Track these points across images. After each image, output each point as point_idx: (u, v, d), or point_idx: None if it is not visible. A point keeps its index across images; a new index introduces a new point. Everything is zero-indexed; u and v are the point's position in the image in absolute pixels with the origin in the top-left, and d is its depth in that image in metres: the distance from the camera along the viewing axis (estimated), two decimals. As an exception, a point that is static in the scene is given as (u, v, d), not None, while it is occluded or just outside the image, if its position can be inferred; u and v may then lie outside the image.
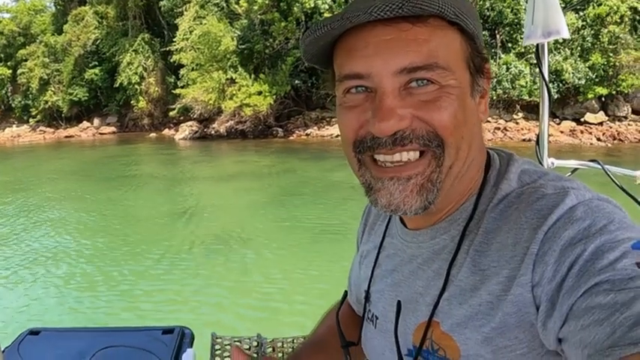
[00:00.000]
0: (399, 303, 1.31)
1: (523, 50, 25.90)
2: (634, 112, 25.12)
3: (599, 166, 2.75)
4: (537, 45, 3.01)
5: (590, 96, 24.75)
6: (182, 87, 31.66)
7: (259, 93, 28.93)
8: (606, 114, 25.13)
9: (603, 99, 25.29)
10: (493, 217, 1.17)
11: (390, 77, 1.07)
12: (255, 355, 3.27)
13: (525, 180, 1.20)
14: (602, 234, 1.00)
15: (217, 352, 3.40)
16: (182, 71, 32.16)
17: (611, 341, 0.87)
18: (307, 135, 29.39)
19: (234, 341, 3.47)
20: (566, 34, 3.10)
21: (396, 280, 1.38)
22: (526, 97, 26.08)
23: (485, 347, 1.12)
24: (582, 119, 24.88)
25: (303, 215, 13.96)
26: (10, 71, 40.43)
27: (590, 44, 24.93)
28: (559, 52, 25.48)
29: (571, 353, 0.96)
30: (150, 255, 11.49)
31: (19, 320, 8.25)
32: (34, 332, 3.03)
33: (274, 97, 29.04)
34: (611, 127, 24.32)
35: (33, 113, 39.37)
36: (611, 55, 24.55)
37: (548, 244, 1.04)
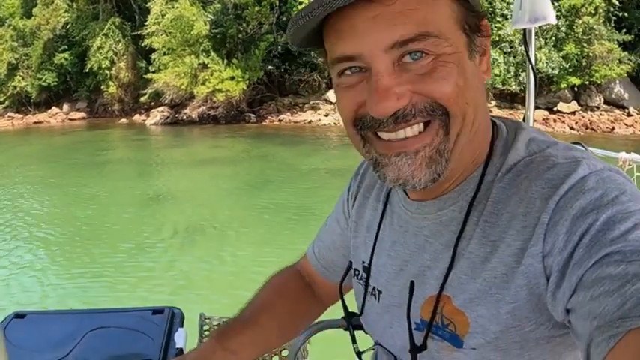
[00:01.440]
0: (412, 283, 1.28)
1: (497, 39, 25.93)
2: (606, 102, 25.36)
3: (583, 148, 2.81)
4: (525, 30, 3.10)
5: (563, 85, 24.88)
6: (153, 72, 31.27)
7: (232, 78, 28.70)
8: (579, 104, 25.32)
9: (576, 89, 25.48)
10: (502, 187, 1.15)
11: (381, 55, 1.04)
12: None
13: (534, 149, 1.17)
14: (613, 205, 0.99)
15: (206, 332, 3.39)
16: (153, 56, 31.74)
17: (621, 312, 0.86)
18: (280, 121, 29.21)
19: (223, 321, 3.41)
20: (553, 20, 3.22)
21: (400, 252, 1.36)
22: (499, 86, 26.11)
23: (496, 324, 1.11)
24: (555, 108, 25.05)
25: (279, 201, 13.83)
26: (-22, 56, 39.73)
27: (564, 34, 25.04)
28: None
29: (578, 324, 0.95)
30: (124, 241, 11.31)
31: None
32: (19, 315, 2.88)
33: (247, 82, 28.83)
34: (583, 117, 24.55)
35: (1, 99, 38.64)
36: (584, 45, 24.67)
37: (560, 214, 1.03)
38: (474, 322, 1.14)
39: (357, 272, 1.53)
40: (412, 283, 1.28)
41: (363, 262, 1.48)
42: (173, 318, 2.84)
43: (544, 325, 1.09)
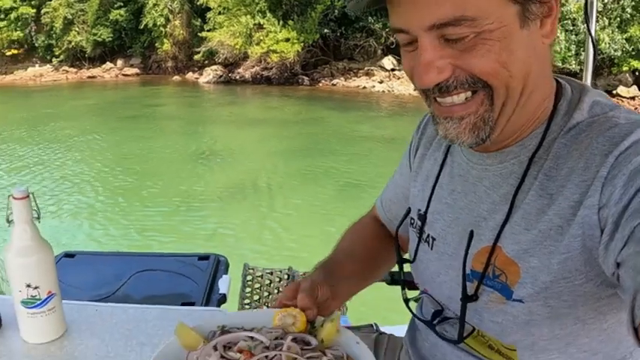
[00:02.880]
0: (471, 233, 1.30)
1: (560, 16, 25.07)
2: (667, 89, 24.18)
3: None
4: (586, 2, 2.98)
5: (624, 69, 23.73)
6: (208, 30, 31.08)
7: (287, 40, 28.26)
8: (639, 88, 24.15)
9: (637, 73, 24.25)
10: (563, 144, 1.19)
11: (424, 32, 1.11)
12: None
13: (597, 111, 1.20)
14: None
15: (248, 283, 3.48)
16: (209, 14, 31.51)
17: None
18: (333, 85, 28.78)
19: (266, 272, 3.54)
20: None
21: (458, 201, 1.40)
22: (559, 64, 25.21)
23: (546, 274, 1.15)
24: (615, 92, 23.83)
25: (329, 165, 13.74)
26: (34, 10, 39.81)
27: (629, 15, 23.81)
28: (597, 22, 24.56)
29: (627, 277, 0.95)
30: (175, 194, 11.45)
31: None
32: (69, 255, 3.06)
33: (302, 44, 28.35)
34: (643, 102, 23.51)
35: (56, 53, 38.84)
36: (650, 28, 23.51)
37: (618, 168, 1.05)
38: (525, 272, 1.18)
39: (412, 221, 1.58)
40: (471, 233, 1.31)
41: (419, 210, 1.53)
42: (218, 265, 3.03)
43: (593, 281, 1.12)
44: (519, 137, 1.26)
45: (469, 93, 1.15)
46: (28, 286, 1.61)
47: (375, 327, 2.10)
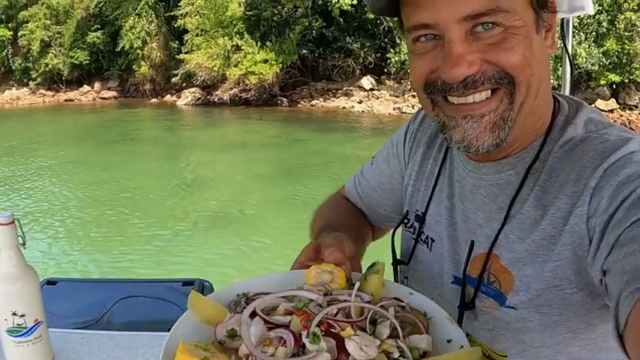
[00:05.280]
0: (472, 242, 1.34)
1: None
2: (644, 101, 24.46)
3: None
4: (562, 20, 3.17)
5: (602, 82, 24.11)
6: (186, 53, 31.07)
7: (265, 61, 28.32)
8: (617, 102, 24.51)
9: (614, 86, 24.69)
10: (558, 157, 1.23)
11: (455, 24, 1.12)
12: None
13: (591, 127, 1.26)
14: None
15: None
16: (186, 37, 31.50)
17: None
18: (312, 106, 28.86)
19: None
20: (590, 10, 3.24)
21: (456, 206, 1.43)
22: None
23: (539, 282, 1.19)
24: (593, 105, 23.98)
25: (311, 189, 13.62)
26: (11, 33, 39.63)
27: (605, 30, 24.21)
28: (574, 36, 24.88)
29: (611, 283, 0.99)
30: (155, 220, 11.38)
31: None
32: (51, 282, 3.04)
33: (280, 66, 28.42)
34: (621, 115, 23.66)
35: (33, 76, 38.58)
36: (626, 42, 23.85)
37: (607, 180, 1.10)
38: (519, 280, 1.23)
39: (407, 221, 1.59)
40: (472, 243, 1.34)
41: (417, 210, 1.55)
42: (203, 290, 2.98)
43: (583, 291, 1.17)
44: (517, 149, 1.30)
45: (489, 92, 1.18)
46: (14, 314, 1.57)
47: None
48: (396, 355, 1.07)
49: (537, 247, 1.20)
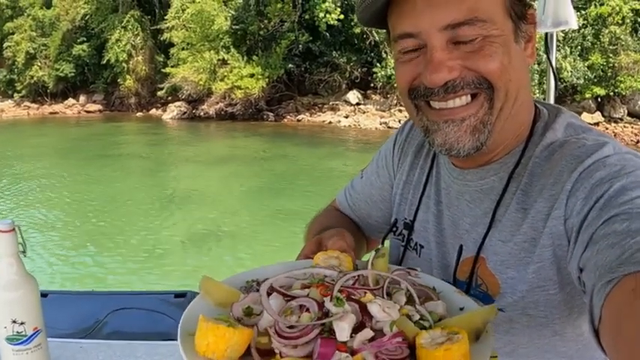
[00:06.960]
0: (460, 247, 1.39)
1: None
2: (630, 114, 24.81)
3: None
4: (546, 34, 3.25)
5: (587, 95, 24.42)
6: (172, 66, 31.02)
7: (251, 75, 28.34)
8: (602, 115, 24.80)
9: (600, 99, 24.98)
10: (538, 162, 1.29)
11: (437, 33, 1.19)
12: None
13: (570, 132, 1.31)
14: (629, 176, 1.10)
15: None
16: (172, 50, 31.49)
17: (619, 261, 0.93)
18: (299, 120, 28.90)
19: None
20: (574, 25, 3.35)
21: (443, 212, 1.48)
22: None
23: (523, 284, 1.25)
24: (579, 118, 24.43)
25: (296, 204, 13.61)
26: (-4, 45, 39.66)
27: (590, 44, 24.57)
28: (559, 50, 25.11)
29: (587, 279, 1.02)
30: (140, 237, 11.32)
31: None
32: (42, 294, 2.96)
33: (267, 80, 28.46)
34: (607, 128, 23.87)
35: (18, 88, 38.49)
36: (610, 55, 24.19)
37: (581, 182, 1.16)
38: (504, 283, 1.28)
39: (395, 229, 1.63)
40: (460, 247, 1.40)
41: (405, 218, 1.59)
42: None
43: (565, 290, 1.23)
44: (499, 155, 1.36)
45: (469, 97, 1.25)
46: (14, 322, 1.55)
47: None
48: (417, 318, 1.10)
49: (520, 250, 1.26)
